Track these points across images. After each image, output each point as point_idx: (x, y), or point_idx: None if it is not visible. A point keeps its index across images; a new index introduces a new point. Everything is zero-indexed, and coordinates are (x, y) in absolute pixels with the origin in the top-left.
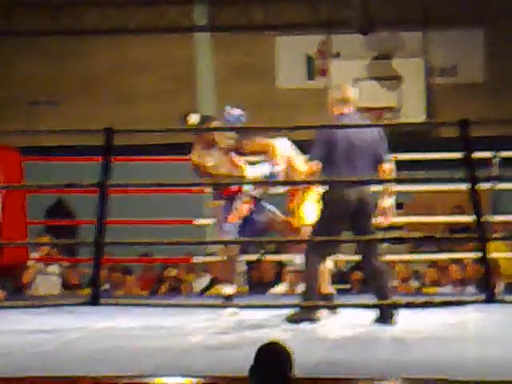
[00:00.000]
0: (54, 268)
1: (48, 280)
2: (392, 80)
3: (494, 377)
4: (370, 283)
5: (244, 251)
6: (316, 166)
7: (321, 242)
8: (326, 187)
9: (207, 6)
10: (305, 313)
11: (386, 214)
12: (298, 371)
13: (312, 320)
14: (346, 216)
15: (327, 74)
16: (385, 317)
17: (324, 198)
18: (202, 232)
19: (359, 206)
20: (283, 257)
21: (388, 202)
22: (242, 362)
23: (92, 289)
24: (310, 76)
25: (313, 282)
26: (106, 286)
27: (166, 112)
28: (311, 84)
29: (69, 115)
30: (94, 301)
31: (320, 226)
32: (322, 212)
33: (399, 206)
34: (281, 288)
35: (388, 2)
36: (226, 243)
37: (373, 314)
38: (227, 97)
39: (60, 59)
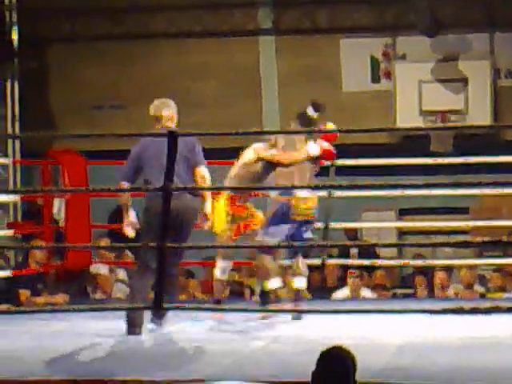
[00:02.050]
0: (123, 274)
1: (120, 286)
2: (458, 82)
3: None
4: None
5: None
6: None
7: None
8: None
9: (271, 8)
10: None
11: (206, 218)
12: (362, 376)
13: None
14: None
15: (392, 76)
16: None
17: None
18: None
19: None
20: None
21: (208, 207)
22: (305, 367)
23: (155, 293)
24: (375, 79)
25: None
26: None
27: (229, 116)
28: (376, 87)
29: (133, 119)
30: (157, 305)
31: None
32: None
33: (465, 210)
34: (344, 292)
35: (454, 3)
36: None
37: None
38: (291, 100)
39: (124, 63)
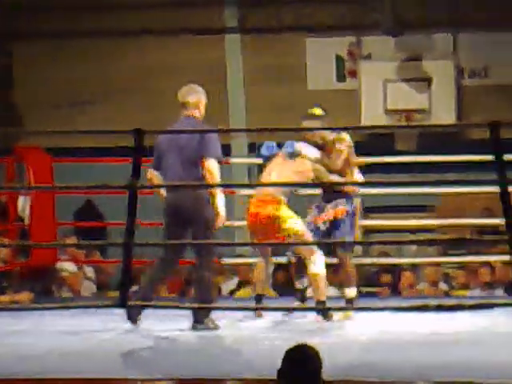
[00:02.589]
0: (90, 271)
1: (87, 284)
2: (422, 82)
3: None
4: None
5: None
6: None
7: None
8: None
9: (237, 7)
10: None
11: (218, 215)
12: (328, 373)
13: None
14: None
15: (357, 75)
16: (198, 320)
17: None
18: (232, 233)
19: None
20: None
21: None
22: (271, 364)
23: (120, 291)
24: (340, 78)
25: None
26: (135, 288)
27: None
28: (341, 86)
29: (95, 118)
30: (123, 303)
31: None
32: None
33: (429, 208)
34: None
35: (418, 3)
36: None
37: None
38: (257, 99)
39: (89, 61)
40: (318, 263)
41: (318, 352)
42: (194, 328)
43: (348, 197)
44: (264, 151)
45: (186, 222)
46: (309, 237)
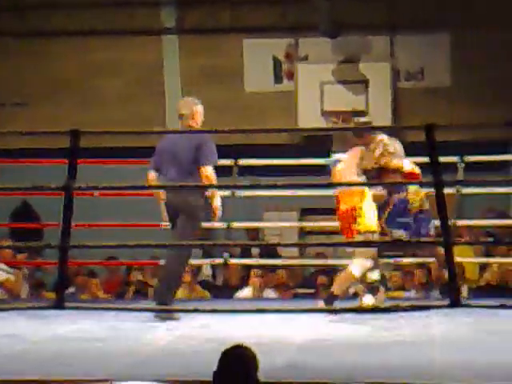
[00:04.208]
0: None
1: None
2: (359, 84)
3: (459, 381)
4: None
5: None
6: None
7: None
8: None
9: (174, 8)
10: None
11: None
12: (264, 374)
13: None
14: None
15: (294, 77)
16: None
17: None
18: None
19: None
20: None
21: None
22: (206, 366)
23: (57, 292)
24: (277, 79)
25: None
26: (71, 290)
27: (133, 115)
28: (278, 87)
29: (35, 117)
30: (59, 304)
31: None
32: None
33: None
34: (246, 292)
35: (355, 6)
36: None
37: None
38: None
39: (27, 61)
40: (361, 266)
41: (254, 353)
42: (156, 316)
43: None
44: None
45: (176, 219)
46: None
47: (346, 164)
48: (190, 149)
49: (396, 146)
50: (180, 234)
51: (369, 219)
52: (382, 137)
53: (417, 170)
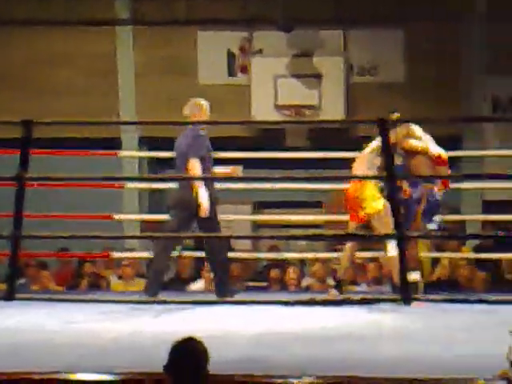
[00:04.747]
0: None
1: None
2: (312, 78)
3: (408, 374)
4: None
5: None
6: None
7: None
8: None
9: None
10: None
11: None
12: (215, 367)
13: None
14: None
15: (248, 70)
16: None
17: None
18: (121, 227)
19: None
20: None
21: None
22: (157, 358)
23: (7, 284)
24: (232, 72)
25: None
26: (22, 281)
27: (86, 105)
28: (232, 80)
29: None
30: (10, 296)
31: None
32: None
33: (319, 204)
34: (199, 284)
35: (309, 0)
36: (142, 238)
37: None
38: (148, 91)
39: None
40: (391, 247)
41: (204, 346)
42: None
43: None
44: None
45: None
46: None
47: (360, 157)
48: (184, 145)
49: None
50: (170, 227)
51: (373, 201)
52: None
53: (444, 155)
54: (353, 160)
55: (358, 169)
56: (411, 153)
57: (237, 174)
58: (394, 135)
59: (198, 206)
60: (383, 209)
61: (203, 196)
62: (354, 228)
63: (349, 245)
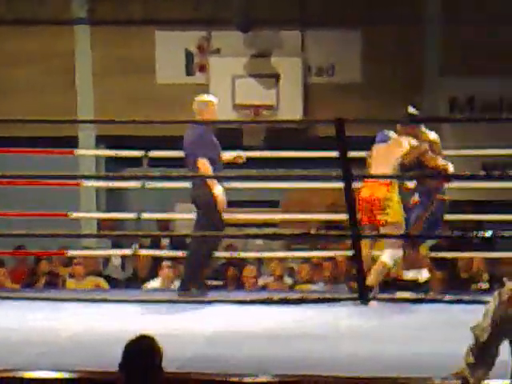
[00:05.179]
0: None
1: None
2: (270, 78)
3: (366, 373)
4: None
5: None
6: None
7: None
8: None
9: None
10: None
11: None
12: (171, 366)
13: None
14: None
15: (206, 70)
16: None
17: None
18: (77, 225)
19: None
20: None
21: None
22: (113, 356)
23: None
24: (190, 72)
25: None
26: None
27: (44, 104)
28: (190, 80)
29: None
30: None
31: None
32: None
33: (275, 203)
34: (156, 283)
35: (267, 0)
36: (99, 236)
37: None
38: (106, 91)
39: None
40: (392, 256)
41: (157, 343)
42: (180, 295)
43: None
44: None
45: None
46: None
47: (384, 152)
48: (190, 143)
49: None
50: (194, 227)
51: (398, 212)
52: (430, 132)
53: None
54: (369, 156)
55: (379, 167)
56: (424, 166)
57: (242, 159)
58: (418, 147)
59: (211, 202)
60: (402, 221)
61: (217, 191)
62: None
63: (363, 243)
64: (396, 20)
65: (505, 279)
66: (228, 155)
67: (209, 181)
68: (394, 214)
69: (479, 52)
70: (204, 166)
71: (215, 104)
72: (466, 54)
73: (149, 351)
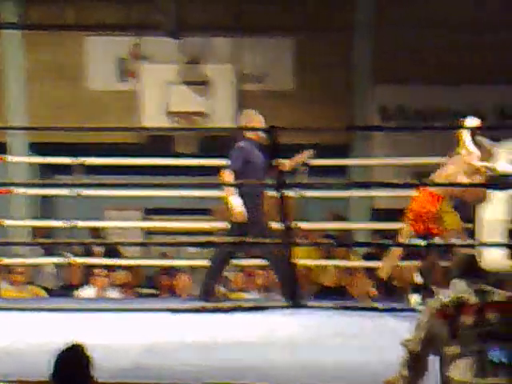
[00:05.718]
0: None
1: None
2: (202, 85)
3: (299, 382)
4: None
5: None
6: None
7: None
8: None
9: (17, 2)
10: None
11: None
12: (104, 375)
13: None
14: None
15: (138, 76)
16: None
17: None
18: (8, 233)
19: None
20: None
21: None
22: (44, 366)
23: None
24: (121, 78)
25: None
26: None
27: None
28: (122, 86)
29: None
30: None
31: None
32: None
33: (208, 211)
34: (89, 291)
35: (200, 7)
36: (32, 244)
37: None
38: (38, 96)
39: None
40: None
41: (87, 353)
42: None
43: None
44: None
45: None
46: None
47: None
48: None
49: None
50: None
51: (454, 217)
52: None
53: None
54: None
55: (452, 174)
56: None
57: (306, 159)
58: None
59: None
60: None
61: (235, 203)
62: (410, 237)
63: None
64: (329, 28)
65: (435, 289)
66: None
67: (225, 193)
68: (451, 223)
69: (410, 61)
70: (225, 177)
71: (259, 118)
72: (398, 63)
73: (79, 360)
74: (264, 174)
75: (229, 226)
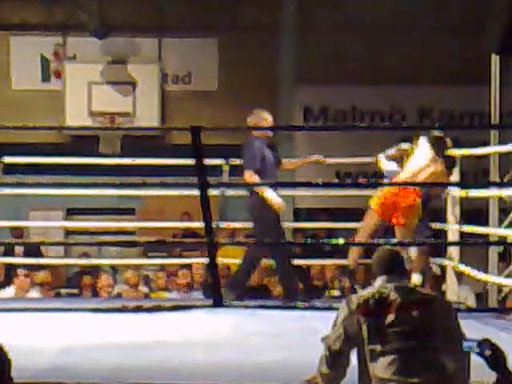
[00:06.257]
0: None
1: None
2: (126, 85)
3: (222, 381)
4: None
5: None
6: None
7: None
8: None
9: None
10: None
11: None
12: (22, 376)
13: None
14: None
15: (62, 76)
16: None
17: None
18: None
19: None
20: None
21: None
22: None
23: None
24: (45, 78)
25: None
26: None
27: None
28: (46, 86)
29: None
30: None
31: None
32: None
33: (131, 210)
34: (9, 291)
35: (124, 7)
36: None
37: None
38: None
39: None
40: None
41: (5, 353)
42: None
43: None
44: None
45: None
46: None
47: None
48: (243, 155)
49: None
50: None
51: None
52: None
53: None
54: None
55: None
56: None
57: (322, 161)
58: None
59: (263, 209)
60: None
61: (271, 196)
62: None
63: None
64: (253, 29)
65: (356, 287)
66: (312, 158)
67: (258, 188)
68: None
69: (333, 61)
70: (250, 178)
71: (268, 118)
72: (321, 64)
73: None
74: (276, 171)
75: (267, 222)
